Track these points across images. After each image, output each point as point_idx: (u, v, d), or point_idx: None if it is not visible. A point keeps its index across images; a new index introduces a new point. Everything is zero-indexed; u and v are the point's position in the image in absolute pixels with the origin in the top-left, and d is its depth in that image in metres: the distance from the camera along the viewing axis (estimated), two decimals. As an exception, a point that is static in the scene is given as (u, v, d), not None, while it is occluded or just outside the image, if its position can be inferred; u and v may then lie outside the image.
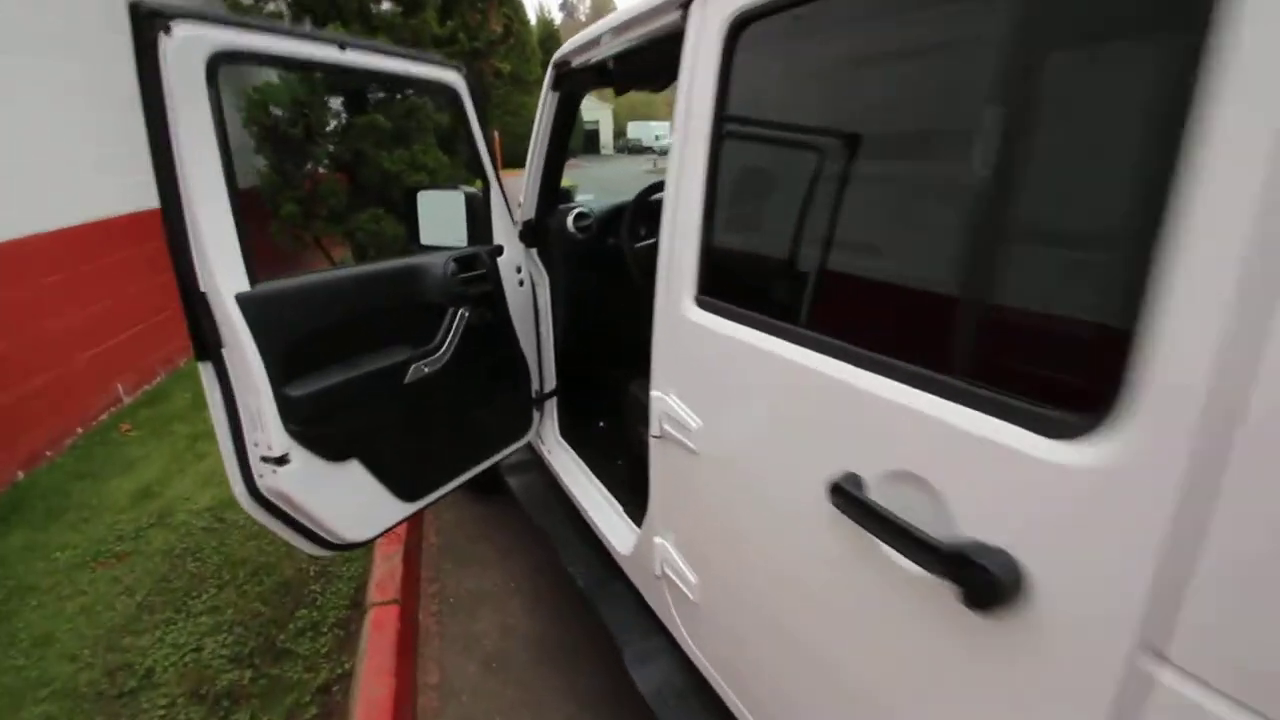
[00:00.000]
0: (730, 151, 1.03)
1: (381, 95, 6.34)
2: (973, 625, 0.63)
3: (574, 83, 1.83)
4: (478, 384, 1.86)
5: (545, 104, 1.90)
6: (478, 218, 1.88)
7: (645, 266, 1.97)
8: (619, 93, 1.84)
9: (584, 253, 2.11)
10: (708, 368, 1.09)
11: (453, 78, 1.73)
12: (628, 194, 2.19)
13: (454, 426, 1.81)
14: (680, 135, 1.09)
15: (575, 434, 2.23)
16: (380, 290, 1.58)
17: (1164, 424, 0.49)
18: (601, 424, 2.40)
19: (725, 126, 1.02)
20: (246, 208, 1.24)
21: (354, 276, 1.53)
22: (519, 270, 2.01)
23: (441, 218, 1.92)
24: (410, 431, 1.66)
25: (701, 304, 1.09)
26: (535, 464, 2.29)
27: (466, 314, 1.72)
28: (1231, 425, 0.45)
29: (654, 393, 1.25)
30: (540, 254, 2.14)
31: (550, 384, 2.21)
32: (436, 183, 6.29)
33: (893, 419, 0.72)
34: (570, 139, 2.02)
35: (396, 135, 6.01)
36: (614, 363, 2.40)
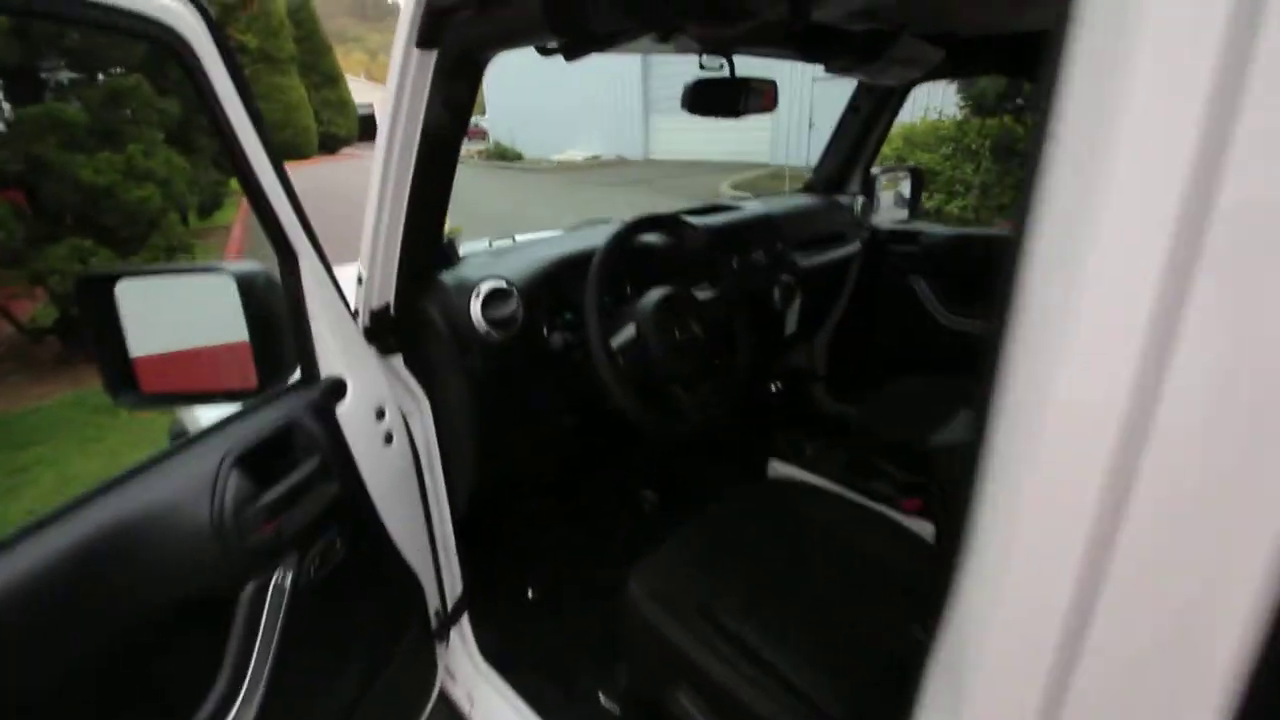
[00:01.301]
0: None
1: (70, 76, 4.41)
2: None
3: (473, 37, 0.84)
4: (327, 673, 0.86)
5: (403, 82, 0.88)
6: (273, 323, 0.85)
7: (642, 381, 1.09)
8: (570, 57, 0.89)
9: (501, 366, 1.14)
10: None
11: (177, 12, 0.69)
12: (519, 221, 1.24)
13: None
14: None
15: (517, 648, 1.29)
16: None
17: None
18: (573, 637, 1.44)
19: None
20: None
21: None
22: (381, 415, 1.01)
23: (183, 334, 0.86)
24: None
25: None
26: None
27: (288, 583, 0.72)
28: None
29: None
30: (409, 360, 1.13)
31: (457, 587, 1.24)
32: (167, 228, 4.58)
33: None
34: (458, 148, 1.01)
35: (100, 132, 4.18)
36: (574, 524, 1.48)
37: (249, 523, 0.70)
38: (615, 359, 1.06)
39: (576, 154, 16.14)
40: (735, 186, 10.39)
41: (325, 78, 23.08)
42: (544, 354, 1.17)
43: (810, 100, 12.61)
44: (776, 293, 1.61)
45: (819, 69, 1.50)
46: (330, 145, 22.71)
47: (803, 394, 2.17)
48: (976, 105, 7.25)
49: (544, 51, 0.91)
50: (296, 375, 0.94)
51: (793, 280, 1.64)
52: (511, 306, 1.10)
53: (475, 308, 1.07)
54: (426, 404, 1.15)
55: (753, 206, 1.69)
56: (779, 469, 1.46)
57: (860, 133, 1.95)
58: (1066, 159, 0.29)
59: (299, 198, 0.86)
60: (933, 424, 1.51)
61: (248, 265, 0.85)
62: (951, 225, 2.98)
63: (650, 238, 1.25)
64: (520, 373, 1.18)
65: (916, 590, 1.05)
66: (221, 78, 0.73)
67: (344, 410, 0.92)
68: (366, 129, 26.03)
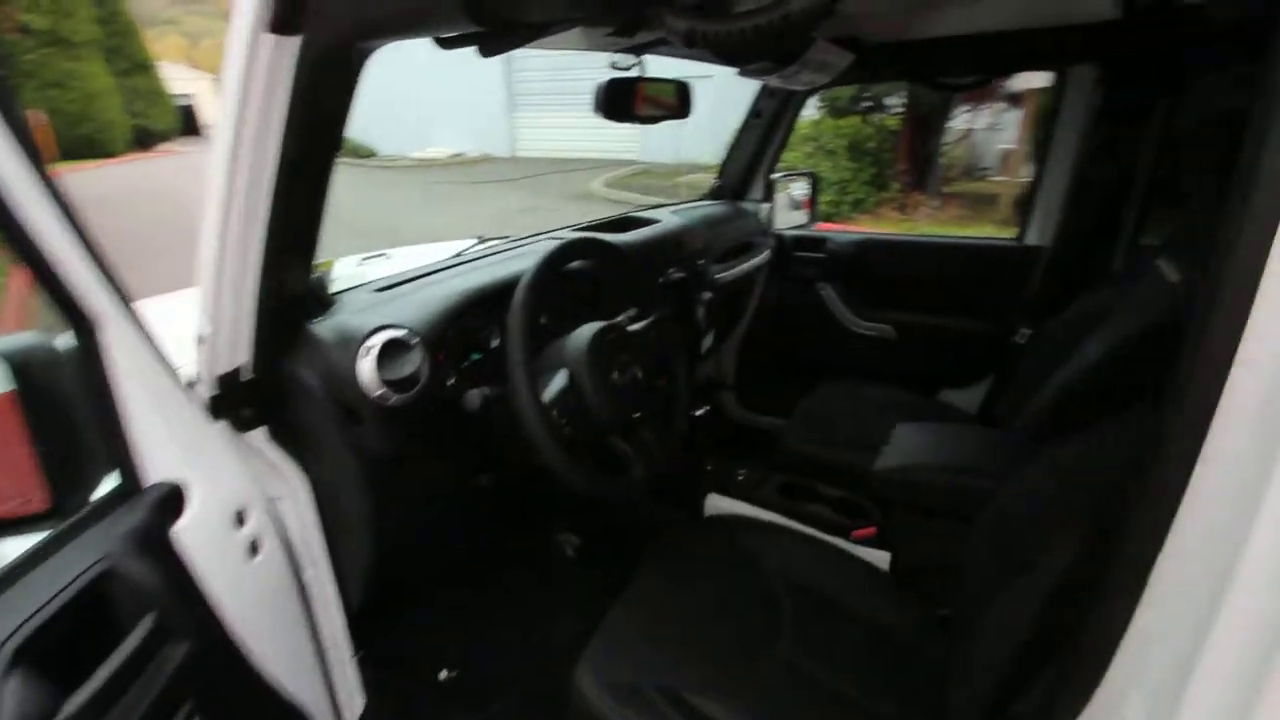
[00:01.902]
0: None
1: None
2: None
3: (351, 22, 0.60)
4: None
5: (250, 76, 0.62)
6: (67, 416, 0.60)
7: (579, 437, 0.92)
8: (487, 51, 0.68)
9: (402, 434, 0.90)
10: None
11: None
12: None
13: None
14: None
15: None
16: None
17: None
18: None
19: None
20: None
21: None
22: (241, 520, 0.76)
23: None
24: None
25: None
26: None
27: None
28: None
29: None
30: (276, 431, 0.88)
31: (357, 703, 1.00)
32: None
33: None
34: (332, 162, 0.76)
35: None
36: (488, 586, 1.28)
37: None
38: (549, 417, 0.88)
39: (439, 151, 15.29)
40: (609, 185, 10.32)
41: (135, 64, 19.97)
42: (456, 414, 0.96)
43: (676, 97, 12.78)
44: (700, 312, 1.50)
45: (686, 65, 1.40)
46: (145, 141, 19.73)
47: (713, 406, 2.10)
48: (832, 106, 7.68)
49: (446, 43, 0.71)
50: (114, 481, 0.67)
51: (714, 297, 1.54)
52: (414, 362, 0.88)
53: (365, 367, 0.84)
54: (302, 484, 0.90)
55: (669, 219, 1.56)
56: (717, 503, 1.35)
57: (762, 138, 1.89)
58: None
59: (95, 240, 0.59)
60: (868, 441, 1.47)
61: (19, 339, 0.58)
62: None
63: (572, 264, 1.08)
64: (427, 439, 0.96)
65: (891, 634, 0.99)
66: None
67: (186, 528, 0.67)
68: (189, 123, 22.90)
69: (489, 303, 1.06)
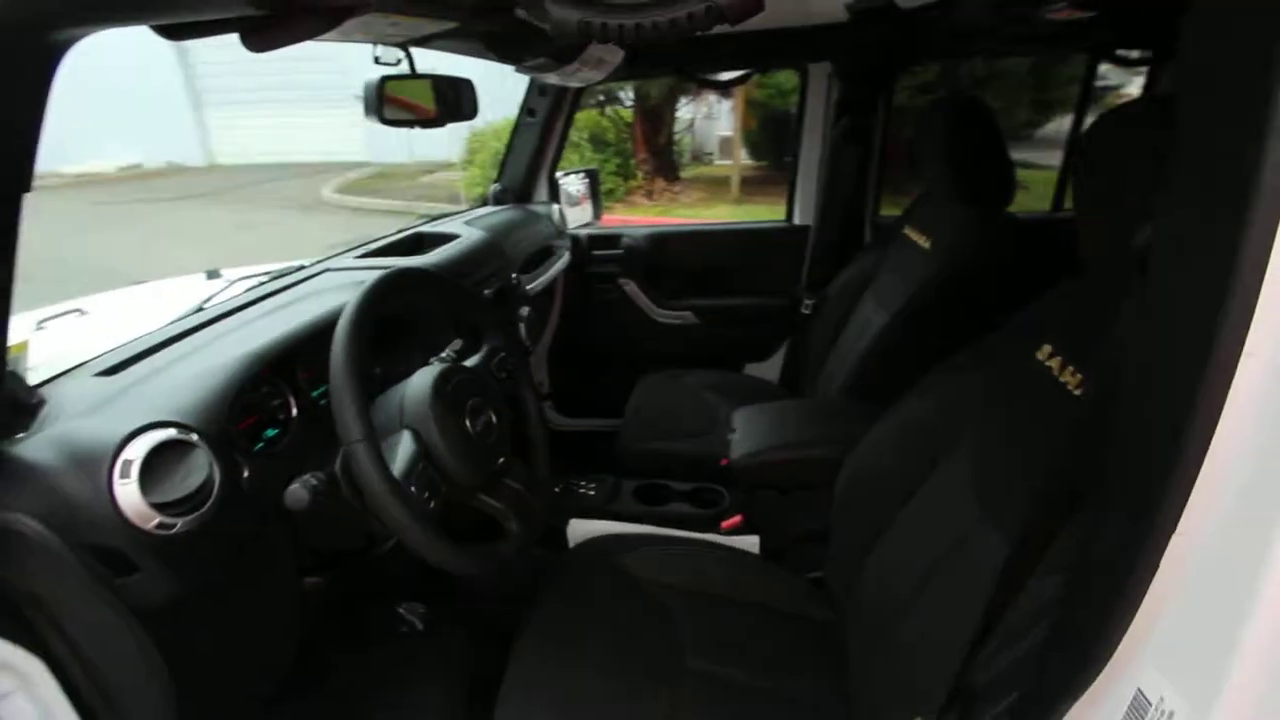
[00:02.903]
0: None
1: None
2: None
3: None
4: None
5: None
6: None
7: (440, 510, 0.78)
8: (258, 44, 0.48)
9: (196, 565, 0.65)
10: None
11: None
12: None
13: None
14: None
15: None
16: None
17: None
18: None
19: None
20: None
21: None
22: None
23: None
24: None
25: None
26: None
27: None
28: None
29: None
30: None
31: None
32: None
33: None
34: (19, 200, 0.48)
35: None
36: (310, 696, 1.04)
37: None
38: (407, 495, 0.71)
39: (104, 164, 12.19)
40: (342, 191, 9.28)
41: None
42: (268, 516, 0.74)
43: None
44: (523, 329, 1.38)
45: (443, 60, 1.29)
46: None
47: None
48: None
49: (169, 32, 0.50)
50: None
51: (532, 311, 1.44)
52: (201, 468, 0.65)
53: (128, 493, 0.59)
54: (39, 666, 0.62)
55: (468, 231, 1.41)
56: (580, 528, 1.27)
57: (541, 137, 1.81)
58: None
59: None
60: (705, 427, 1.51)
61: None
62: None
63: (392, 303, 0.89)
64: (232, 559, 0.72)
65: (780, 613, 1.02)
66: None
67: None
68: None
69: (279, 364, 0.83)
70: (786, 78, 6.86)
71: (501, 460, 0.87)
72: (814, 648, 0.96)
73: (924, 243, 1.35)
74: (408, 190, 9.41)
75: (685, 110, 8.49)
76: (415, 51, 1.19)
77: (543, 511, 0.92)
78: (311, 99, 9.95)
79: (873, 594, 0.88)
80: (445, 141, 8.35)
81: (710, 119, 9.08)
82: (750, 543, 1.19)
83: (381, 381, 0.94)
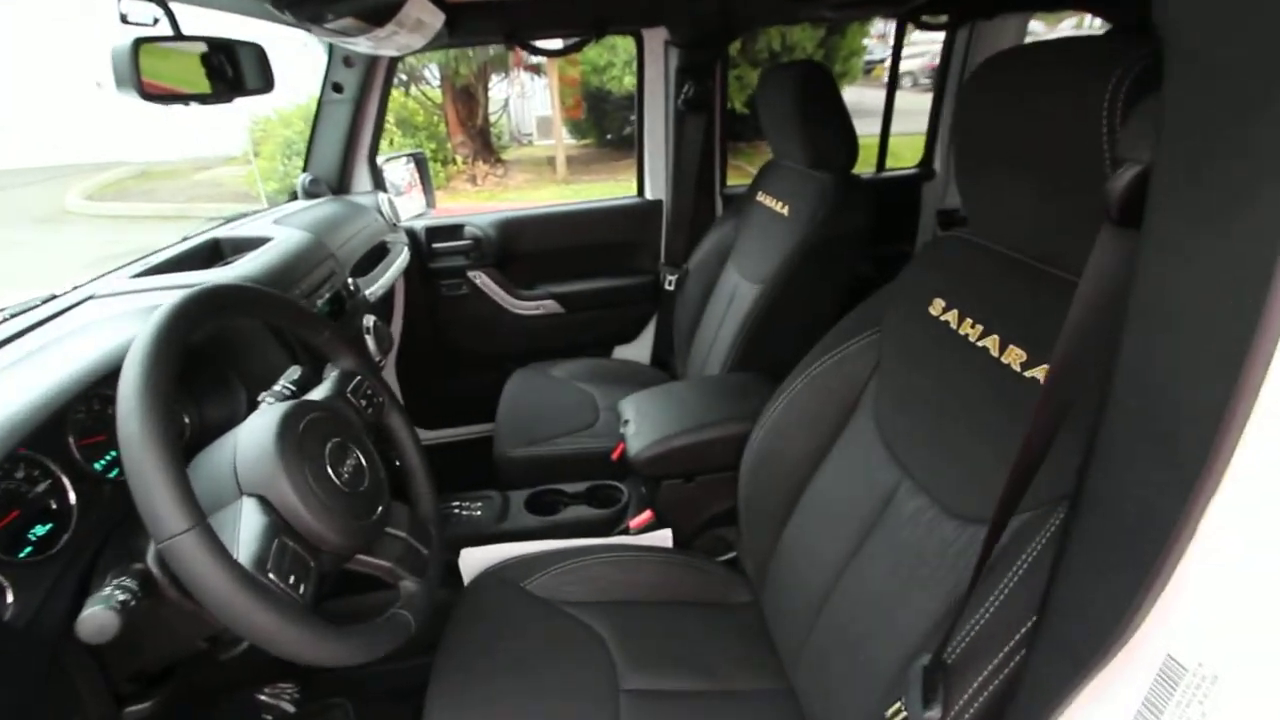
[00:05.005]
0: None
1: None
2: None
3: None
4: None
5: None
6: None
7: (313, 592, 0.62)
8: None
9: None
10: None
11: None
12: None
13: None
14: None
15: None
16: None
17: None
18: None
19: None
20: None
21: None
22: None
23: None
24: None
25: None
26: None
27: None
28: None
29: None
30: None
31: None
32: None
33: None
34: None
35: None
36: None
37: None
38: (266, 590, 0.54)
39: None
40: (93, 197, 7.67)
41: None
42: (61, 649, 0.52)
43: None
44: (371, 343, 1.18)
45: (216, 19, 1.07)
46: None
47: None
48: (367, 81, 7.16)
49: None
50: None
51: (377, 320, 1.24)
52: None
53: None
54: None
55: (281, 232, 1.16)
56: (473, 559, 1.12)
57: (353, 116, 1.56)
58: None
59: None
60: (583, 421, 1.42)
61: None
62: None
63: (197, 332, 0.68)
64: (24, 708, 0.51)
65: (704, 607, 0.98)
66: None
67: None
68: None
69: (40, 435, 0.60)
70: (598, 53, 6.83)
71: (380, 509, 0.71)
72: (744, 636, 0.93)
73: (782, 209, 1.36)
74: (179, 191, 8.03)
75: (498, 89, 8.13)
76: (179, 8, 0.93)
77: (439, 556, 0.78)
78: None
79: (799, 567, 0.86)
80: (208, 132, 7.15)
81: (525, 97, 8.80)
82: (663, 537, 1.13)
83: (196, 435, 0.72)
